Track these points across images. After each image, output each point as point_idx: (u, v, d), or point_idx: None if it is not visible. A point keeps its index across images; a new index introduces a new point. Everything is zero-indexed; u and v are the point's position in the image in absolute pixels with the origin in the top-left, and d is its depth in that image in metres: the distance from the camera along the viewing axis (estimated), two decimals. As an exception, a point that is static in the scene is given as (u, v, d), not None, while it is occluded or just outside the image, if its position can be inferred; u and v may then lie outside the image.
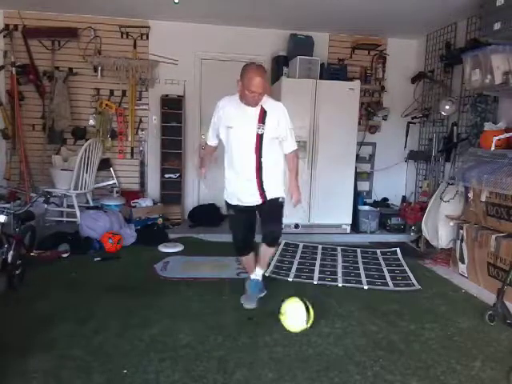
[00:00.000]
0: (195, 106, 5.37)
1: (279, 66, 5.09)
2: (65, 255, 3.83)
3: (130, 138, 5.28)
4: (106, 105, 5.15)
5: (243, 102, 2.68)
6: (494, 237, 3.35)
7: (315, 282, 3.44)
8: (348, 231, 5.00)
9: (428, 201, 4.51)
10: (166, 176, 5.23)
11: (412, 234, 4.92)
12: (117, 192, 5.16)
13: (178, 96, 5.23)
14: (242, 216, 2.87)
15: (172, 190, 5.25)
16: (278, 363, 2.24)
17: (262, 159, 2.73)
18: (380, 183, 5.79)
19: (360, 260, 4.09)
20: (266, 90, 2.66)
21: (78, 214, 4.46)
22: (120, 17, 5.05)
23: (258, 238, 3.00)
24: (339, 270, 3.74)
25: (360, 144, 5.43)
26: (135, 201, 4.94)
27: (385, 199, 5.73)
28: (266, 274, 3.49)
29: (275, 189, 2.81)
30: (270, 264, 3.26)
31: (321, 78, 4.83)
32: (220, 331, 2.55)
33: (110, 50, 5.09)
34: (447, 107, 4.53)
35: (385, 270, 3.82)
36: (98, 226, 4.19)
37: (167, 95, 5.21)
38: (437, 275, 3.79)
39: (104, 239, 4.11)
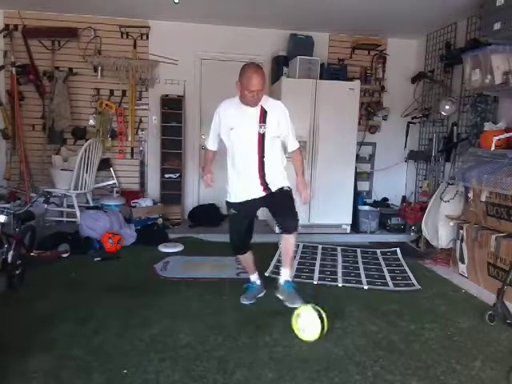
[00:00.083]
0: (195, 106, 5.37)
1: (279, 65, 5.09)
2: (65, 255, 3.83)
3: (130, 138, 5.29)
4: (106, 105, 5.15)
5: (243, 102, 2.69)
6: (493, 237, 3.35)
7: (315, 282, 3.44)
8: (348, 231, 5.01)
9: (428, 201, 4.51)
10: (166, 176, 5.23)
11: (412, 233, 4.92)
12: (117, 192, 5.16)
13: (178, 96, 5.23)
14: (242, 213, 2.87)
15: (172, 190, 5.25)
16: (278, 363, 2.24)
17: (265, 159, 2.74)
18: (380, 183, 5.79)
19: (360, 260, 4.09)
20: (264, 89, 2.67)
21: (78, 213, 4.46)
22: (120, 17, 5.05)
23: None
24: (339, 270, 3.74)
25: (360, 144, 5.43)
26: (135, 201, 4.94)
27: (385, 199, 5.73)
28: (266, 274, 3.50)
29: (278, 180, 2.81)
30: (292, 263, 3.08)
31: (321, 78, 4.83)
32: (220, 331, 2.55)
33: (110, 49, 5.09)
34: (447, 107, 4.54)
35: (385, 270, 3.82)
36: (98, 226, 4.19)
37: (167, 95, 5.21)
38: (437, 275, 3.79)
39: (104, 239, 4.11)
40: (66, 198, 4.78)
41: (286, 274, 2.91)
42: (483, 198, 3.57)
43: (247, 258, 3.04)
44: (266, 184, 2.78)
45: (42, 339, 2.39)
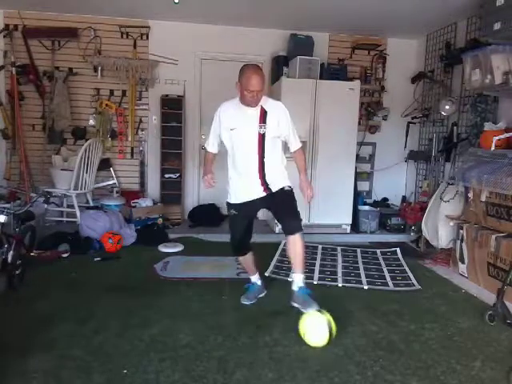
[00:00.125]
0: (195, 106, 5.37)
1: (279, 66, 5.09)
2: (65, 255, 3.83)
3: (130, 138, 5.29)
4: (106, 105, 5.15)
5: (243, 103, 2.70)
6: (493, 237, 3.35)
7: (315, 282, 3.44)
8: (348, 231, 5.01)
9: (428, 201, 4.51)
10: (166, 176, 5.23)
11: (412, 233, 4.92)
12: (117, 192, 5.16)
13: (178, 96, 5.23)
14: (243, 214, 2.86)
15: (172, 190, 5.25)
16: (278, 363, 2.24)
17: (265, 159, 2.74)
18: (380, 183, 5.79)
19: (360, 260, 4.09)
20: (264, 90, 2.67)
21: (78, 214, 4.46)
22: (120, 17, 5.05)
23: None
24: (339, 270, 3.74)
25: (360, 144, 5.43)
26: (135, 201, 4.94)
27: (385, 199, 5.73)
28: (266, 274, 3.50)
29: (279, 180, 2.80)
30: (303, 266, 2.83)
31: (321, 77, 4.83)
32: (220, 331, 2.55)
33: (110, 49, 5.09)
34: (447, 107, 4.54)
35: (385, 270, 3.82)
36: (98, 226, 4.19)
37: (167, 95, 5.21)
38: (437, 275, 3.79)
39: (104, 239, 4.11)
40: (66, 197, 4.78)
41: (299, 280, 2.74)
42: (483, 198, 3.57)
43: (247, 259, 3.04)
44: (267, 184, 2.78)
45: (42, 339, 2.39)
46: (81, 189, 4.54)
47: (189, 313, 2.81)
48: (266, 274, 3.50)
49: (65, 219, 4.88)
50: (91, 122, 5.14)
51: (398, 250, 4.35)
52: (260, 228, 4.67)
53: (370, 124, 5.63)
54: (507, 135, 3.55)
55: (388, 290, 3.34)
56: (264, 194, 2.79)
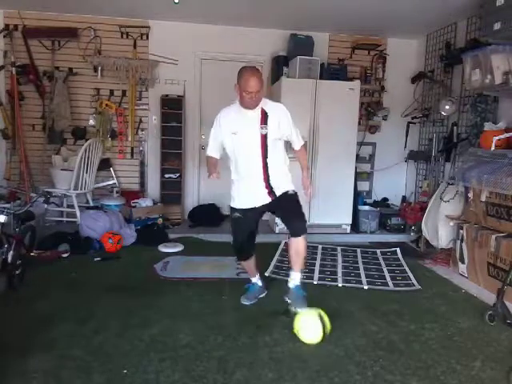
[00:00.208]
0: (195, 106, 5.37)
1: (279, 65, 5.09)
2: (65, 255, 3.83)
3: (130, 138, 5.28)
4: (106, 105, 5.15)
5: (243, 106, 2.70)
6: (493, 237, 3.35)
7: (315, 282, 3.44)
8: (348, 231, 5.01)
9: (428, 201, 4.51)
10: (166, 176, 5.23)
11: (412, 233, 4.92)
12: (117, 192, 5.16)
13: (178, 96, 5.23)
14: (247, 219, 2.84)
15: (172, 190, 5.25)
16: (278, 363, 2.24)
17: (268, 159, 2.74)
18: (380, 183, 5.79)
19: (360, 260, 4.09)
20: (262, 91, 2.67)
21: (78, 214, 4.46)
22: (120, 17, 5.05)
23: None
24: (339, 270, 3.74)
25: (360, 144, 5.43)
26: (135, 201, 4.94)
27: (385, 199, 5.73)
28: (266, 274, 3.50)
29: (283, 184, 2.81)
30: (303, 266, 2.92)
31: (321, 77, 4.83)
32: (220, 331, 2.55)
33: (110, 49, 5.09)
34: (447, 107, 4.54)
35: (385, 269, 3.82)
36: (98, 225, 4.19)
37: (167, 95, 5.21)
38: (437, 275, 3.79)
39: (104, 239, 4.11)
40: (66, 197, 4.78)
41: (296, 279, 2.82)
42: (483, 198, 3.57)
43: (250, 263, 3.03)
44: (271, 188, 2.77)
45: (42, 339, 2.39)
46: (81, 189, 4.54)
47: (189, 313, 2.81)
48: (266, 274, 3.50)
49: (65, 219, 4.88)
50: (91, 121, 5.14)
51: (398, 249, 4.35)
52: (260, 228, 4.65)
53: (370, 124, 5.62)
54: (507, 135, 3.55)
55: (388, 290, 3.34)
56: (269, 199, 2.79)
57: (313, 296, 3.09)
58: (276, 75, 5.07)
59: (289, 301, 2.82)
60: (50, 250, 3.79)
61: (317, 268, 3.79)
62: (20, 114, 4.88)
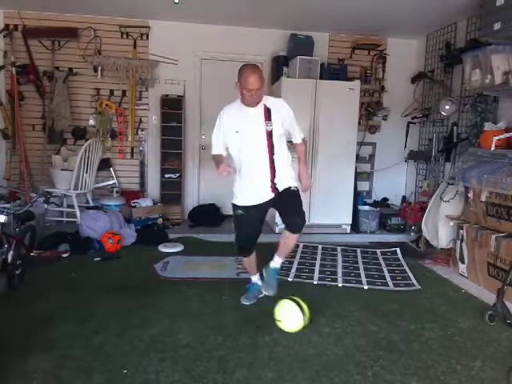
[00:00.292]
0: (195, 106, 5.37)
1: (279, 65, 5.09)
2: (65, 255, 3.83)
3: (130, 138, 5.28)
4: (106, 105, 5.15)
5: (244, 103, 2.70)
6: (493, 237, 3.35)
7: (315, 282, 3.44)
8: (348, 231, 5.01)
9: (428, 201, 4.51)
10: (166, 176, 5.23)
11: (412, 233, 4.92)
12: (117, 192, 5.16)
13: (178, 96, 5.23)
14: (250, 216, 2.84)
15: (172, 190, 5.25)
16: (278, 363, 2.24)
17: (275, 156, 2.74)
18: (380, 183, 5.79)
19: (360, 260, 4.09)
20: (263, 88, 2.66)
21: (78, 214, 4.46)
22: (120, 17, 5.05)
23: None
24: (339, 270, 3.74)
25: (360, 144, 5.43)
26: (135, 201, 4.94)
27: (385, 199, 5.73)
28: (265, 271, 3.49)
29: (286, 180, 2.81)
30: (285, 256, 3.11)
31: (321, 77, 4.83)
32: (220, 331, 2.55)
33: (110, 49, 5.09)
34: (447, 107, 4.53)
35: (385, 269, 3.82)
36: (97, 225, 4.19)
37: (167, 95, 5.21)
38: (437, 275, 3.79)
39: (104, 239, 4.11)
40: (66, 197, 4.78)
41: (277, 262, 2.98)
42: (483, 198, 3.57)
43: (251, 259, 3.03)
44: (275, 184, 2.77)
45: (42, 339, 2.39)
46: (81, 189, 4.54)
47: (189, 313, 2.81)
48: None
49: (65, 219, 4.88)
50: (91, 121, 5.14)
51: (398, 250, 4.35)
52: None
53: (370, 124, 5.62)
54: (507, 135, 3.55)
55: (388, 290, 3.35)
56: (272, 195, 2.79)
57: (313, 296, 3.11)
58: (276, 75, 5.07)
59: (264, 275, 3.02)
60: (50, 250, 3.79)
61: (317, 268, 3.79)
62: (20, 114, 4.88)
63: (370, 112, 5.56)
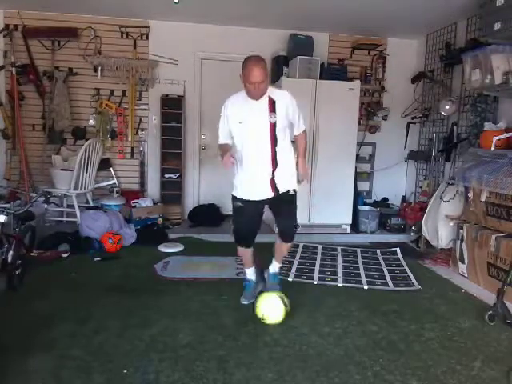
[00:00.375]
0: (195, 106, 5.37)
1: (279, 66, 5.09)
2: (65, 255, 3.83)
3: (130, 138, 5.28)
4: (106, 105, 5.15)
5: (248, 96, 2.68)
6: (494, 237, 3.35)
7: (315, 282, 3.44)
8: (348, 231, 5.01)
9: (428, 201, 4.51)
10: (166, 176, 5.23)
11: (412, 234, 4.92)
12: (117, 192, 5.15)
13: (178, 96, 5.23)
14: (249, 208, 2.85)
15: (172, 190, 5.25)
16: (278, 363, 2.24)
17: (277, 148, 2.73)
18: (380, 183, 5.79)
19: (360, 260, 4.09)
20: (267, 81, 2.64)
21: (77, 214, 4.46)
22: (120, 17, 5.05)
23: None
24: (339, 270, 3.74)
25: (360, 144, 5.43)
26: (135, 201, 4.94)
27: (385, 199, 5.73)
28: (266, 275, 3.49)
29: (287, 181, 2.81)
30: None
31: (321, 77, 4.83)
32: (220, 331, 2.55)
33: (110, 50, 5.09)
34: (447, 107, 4.53)
35: (385, 269, 3.82)
36: (97, 226, 4.19)
37: (167, 95, 5.21)
38: (437, 275, 3.79)
39: (104, 239, 4.11)
40: (66, 197, 4.78)
41: (276, 267, 3.12)
42: (483, 198, 3.57)
43: (247, 251, 3.03)
44: (275, 183, 2.76)
45: (42, 339, 2.39)
46: (81, 189, 4.54)
47: (189, 313, 2.81)
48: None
49: (65, 219, 4.88)
50: (91, 122, 5.14)
51: (398, 249, 4.35)
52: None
53: (370, 124, 5.63)
54: (507, 135, 3.55)
55: (388, 290, 3.35)
56: (271, 194, 2.79)
57: (313, 296, 3.11)
58: (276, 75, 5.06)
59: (266, 277, 3.16)
60: (50, 250, 3.79)
61: (317, 268, 3.79)
62: (20, 114, 4.88)
63: (370, 112, 5.56)
